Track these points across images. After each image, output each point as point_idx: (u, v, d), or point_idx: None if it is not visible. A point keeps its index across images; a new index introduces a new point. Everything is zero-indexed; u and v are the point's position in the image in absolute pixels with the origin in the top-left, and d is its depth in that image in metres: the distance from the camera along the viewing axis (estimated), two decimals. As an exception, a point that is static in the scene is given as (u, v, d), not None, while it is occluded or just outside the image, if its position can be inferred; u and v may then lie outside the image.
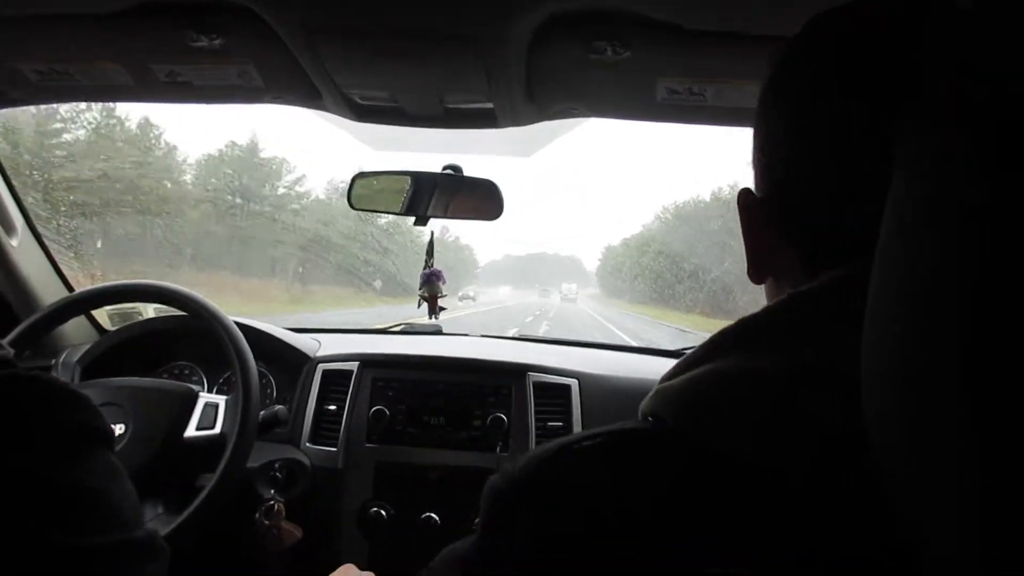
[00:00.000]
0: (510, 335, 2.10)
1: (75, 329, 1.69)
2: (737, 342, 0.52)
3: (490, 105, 1.15)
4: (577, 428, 1.55)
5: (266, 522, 1.41)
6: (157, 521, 1.24)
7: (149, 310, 1.81)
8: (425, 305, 1.67)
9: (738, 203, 0.58)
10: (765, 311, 0.52)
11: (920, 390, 0.32)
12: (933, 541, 0.33)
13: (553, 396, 1.59)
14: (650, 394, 0.56)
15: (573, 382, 1.60)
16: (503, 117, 1.19)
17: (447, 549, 0.59)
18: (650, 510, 0.47)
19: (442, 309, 1.69)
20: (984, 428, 0.29)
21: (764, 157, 0.57)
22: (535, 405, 1.56)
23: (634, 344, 2.45)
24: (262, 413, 1.37)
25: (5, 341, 1.29)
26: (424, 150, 1.45)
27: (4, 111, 1.34)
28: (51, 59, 1.12)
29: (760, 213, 0.57)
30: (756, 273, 0.59)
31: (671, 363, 0.57)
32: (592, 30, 0.98)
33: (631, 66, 1.03)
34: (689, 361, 0.54)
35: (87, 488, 0.58)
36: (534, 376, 1.60)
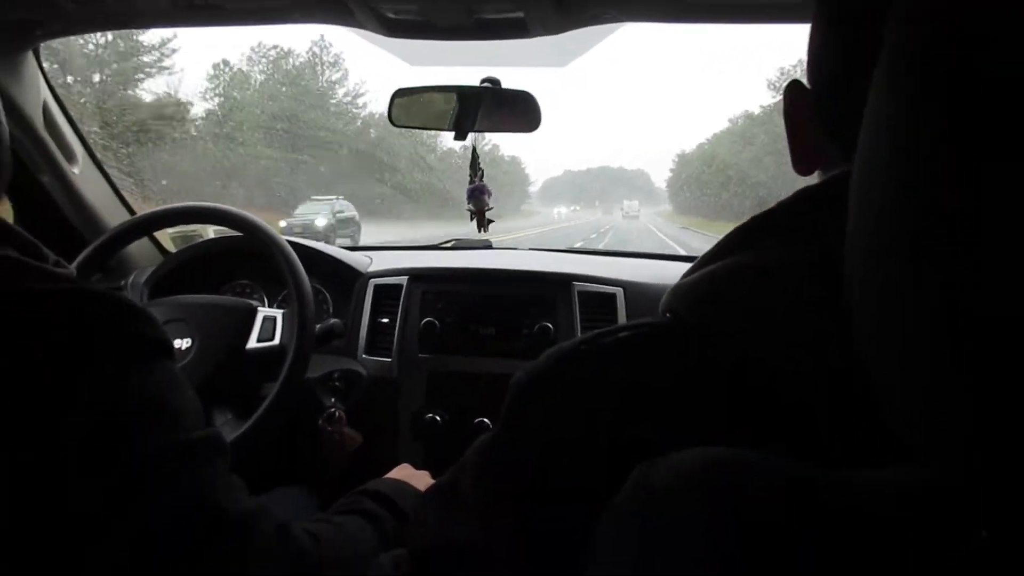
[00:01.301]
0: (555, 248, 2.11)
1: (141, 252, 1.79)
2: (750, 239, 0.53)
3: (520, 14, 1.15)
4: None
5: (328, 428, 1.50)
6: (227, 426, 1.33)
7: (209, 232, 1.88)
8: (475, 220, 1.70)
9: (784, 95, 0.59)
10: (777, 206, 0.53)
11: (885, 254, 0.33)
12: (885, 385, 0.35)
13: (598, 305, 1.61)
14: (668, 290, 0.57)
15: (618, 291, 1.62)
16: (534, 26, 1.18)
17: (477, 440, 0.63)
18: (653, 400, 0.49)
19: (490, 222, 1.71)
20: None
21: (811, 47, 0.56)
22: (581, 314, 1.60)
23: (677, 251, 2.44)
24: (319, 326, 1.44)
25: (74, 264, 1.38)
26: (459, 63, 1.45)
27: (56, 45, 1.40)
28: None
29: (806, 105, 0.57)
30: (801, 166, 0.59)
31: None
32: None
33: None
34: (705, 258, 0.56)
35: (148, 394, 0.64)
36: (579, 286, 1.62)
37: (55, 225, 1.61)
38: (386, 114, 1.49)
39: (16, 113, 1.37)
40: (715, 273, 0.52)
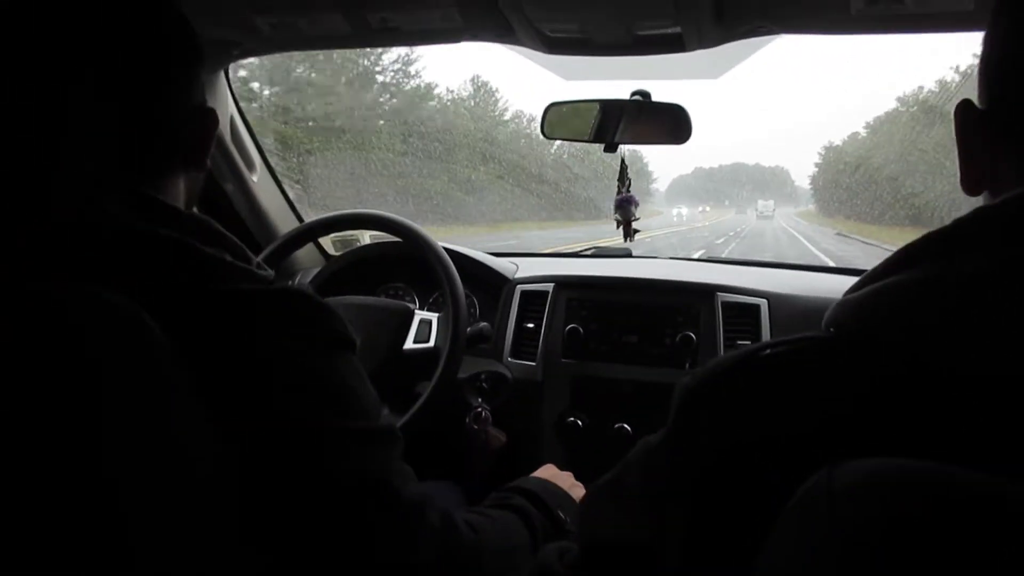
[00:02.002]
0: (698, 258, 2.11)
1: (305, 254, 1.92)
2: (923, 254, 0.52)
3: (678, 29, 1.17)
4: None
5: (475, 427, 1.57)
6: (390, 420, 1.42)
7: (366, 236, 2.01)
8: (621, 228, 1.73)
9: (955, 115, 0.58)
10: (954, 224, 0.52)
11: None
12: None
13: (742, 316, 1.60)
14: (833, 305, 0.58)
15: (762, 302, 1.61)
16: (690, 40, 1.20)
17: (641, 441, 0.66)
18: (826, 410, 0.50)
19: (636, 232, 1.74)
20: None
21: (988, 64, 0.56)
22: (724, 324, 1.59)
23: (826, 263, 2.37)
24: (469, 329, 1.51)
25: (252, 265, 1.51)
26: (612, 77, 1.48)
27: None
28: (282, 11, 1.26)
29: (980, 125, 0.56)
30: (970, 187, 0.58)
31: None
32: None
33: None
34: (874, 274, 0.56)
35: (344, 383, 0.71)
36: (723, 296, 1.62)
37: (234, 229, 1.76)
38: (539, 128, 1.55)
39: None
40: (889, 288, 0.52)
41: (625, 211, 1.66)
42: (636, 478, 0.63)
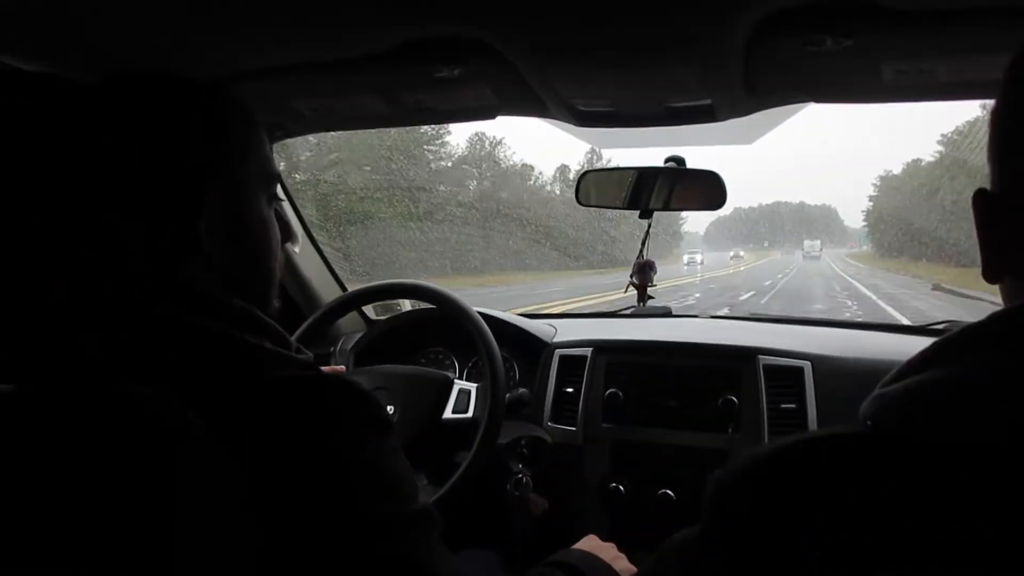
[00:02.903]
0: (738, 316, 2.09)
1: (347, 319, 1.95)
2: (961, 349, 0.52)
3: (708, 101, 1.18)
4: (811, 411, 1.53)
5: (516, 493, 1.56)
6: (423, 491, 1.42)
7: (406, 302, 2.03)
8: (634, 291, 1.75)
9: (973, 205, 0.57)
10: (990, 319, 0.52)
11: None
12: None
13: (785, 379, 1.58)
14: (869, 398, 0.57)
15: (806, 364, 1.59)
16: (722, 111, 1.21)
17: (676, 535, 0.65)
18: (862, 510, 0.49)
19: (650, 298, 1.75)
20: None
21: (1006, 146, 0.55)
22: (766, 388, 1.57)
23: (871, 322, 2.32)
24: (508, 396, 1.52)
25: (295, 335, 1.55)
26: (646, 145, 1.50)
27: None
28: (321, 96, 1.31)
29: (998, 209, 0.56)
30: (991, 273, 0.58)
31: (912, 341, 0.57)
32: (810, 22, 0.97)
33: (854, 53, 1.01)
34: (911, 365, 0.55)
35: (383, 468, 0.71)
36: (764, 359, 1.60)
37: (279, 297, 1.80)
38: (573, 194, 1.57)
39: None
40: (923, 384, 0.52)
41: (643, 275, 1.67)
42: (675, 574, 0.63)
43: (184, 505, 0.57)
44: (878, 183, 56.96)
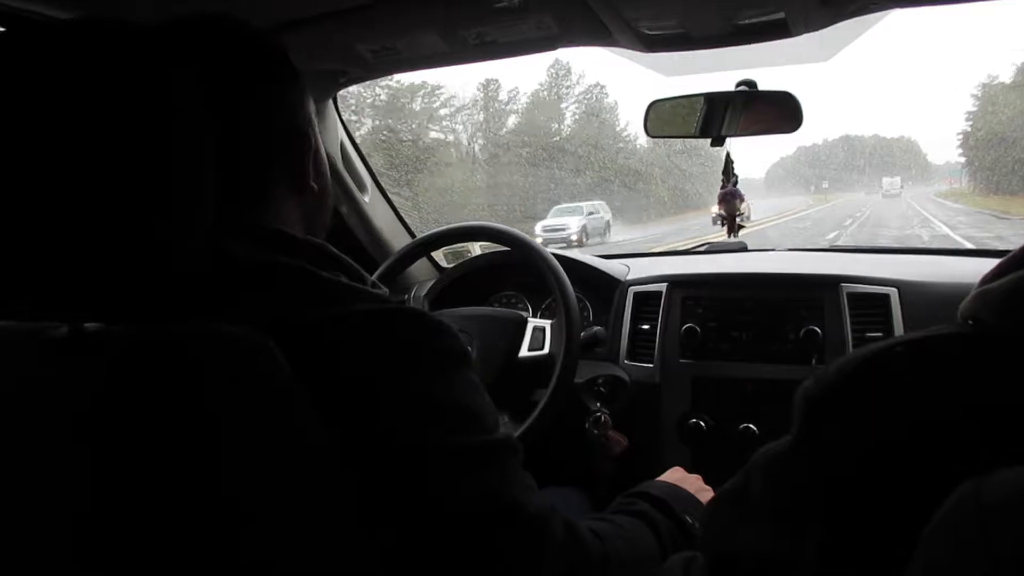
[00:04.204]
0: (818, 247, 2.02)
1: (419, 267, 1.97)
2: None
3: (781, 15, 1.13)
4: None
5: (595, 431, 1.56)
6: (504, 429, 1.43)
7: (476, 247, 2.04)
8: (721, 225, 1.69)
9: None
10: None
11: None
12: None
13: (870, 306, 1.52)
14: (969, 296, 0.54)
15: (892, 291, 1.52)
16: (795, 25, 1.16)
17: (764, 448, 0.63)
18: (963, 412, 0.47)
19: (741, 227, 1.69)
20: None
21: None
22: (851, 316, 1.52)
23: (965, 247, 2.20)
24: (583, 334, 1.51)
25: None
26: (715, 69, 1.45)
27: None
28: (382, 38, 1.30)
29: None
30: None
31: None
32: None
33: None
34: (1015, 260, 0.52)
35: (460, 399, 0.71)
36: (848, 287, 1.54)
37: (349, 248, 1.83)
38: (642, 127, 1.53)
39: (323, 153, 1.59)
40: None
41: (730, 205, 1.62)
42: (762, 489, 0.61)
43: (242, 443, 0.58)
44: (979, 94, 42.68)
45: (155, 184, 0.59)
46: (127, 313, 0.61)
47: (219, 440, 0.57)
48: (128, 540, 0.56)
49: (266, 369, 0.59)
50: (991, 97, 40.60)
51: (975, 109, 42.90)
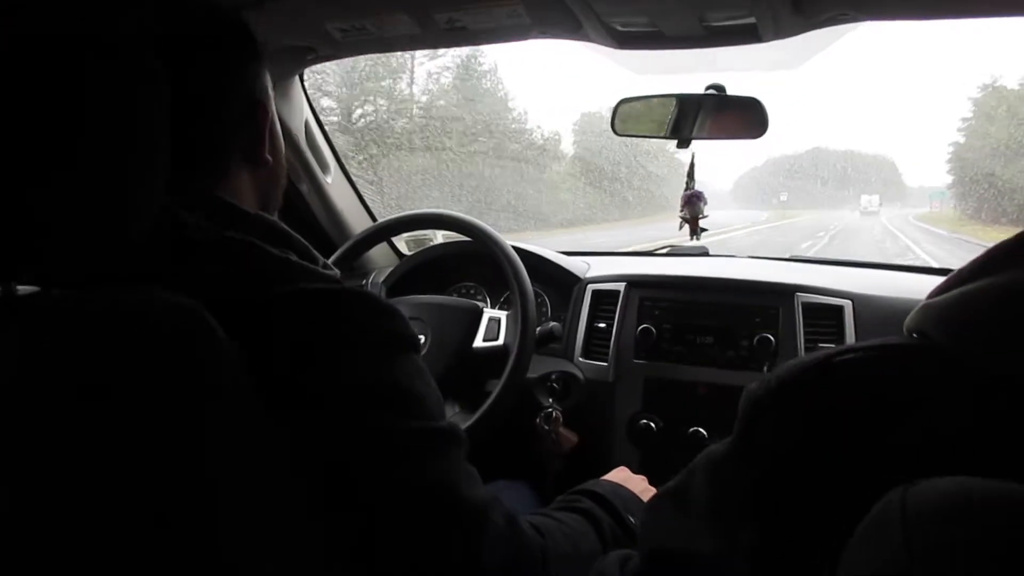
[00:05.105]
0: (777, 256, 2.04)
1: (378, 253, 1.95)
2: (1013, 256, 0.49)
3: (752, 20, 1.13)
4: None
5: (546, 427, 1.56)
6: (455, 418, 1.43)
7: (438, 236, 2.02)
8: (686, 227, 1.69)
9: None
10: None
11: None
12: None
13: (824, 317, 1.54)
14: (915, 309, 0.55)
15: (846, 303, 1.54)
16: (766, 31, 1.16)
17: (706, 450, 0.64)
18: (898, 423, 0.47)
19: (703, 230, 1.69)
20: None
21: None
22: (804, 326, 1.53)
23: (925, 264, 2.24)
24: (539, 328, 1.50)
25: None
26: (685, 71, 1.45)
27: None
28: (352, 17, 1.28)
29: None
30: None
31: None
32: None
33: None
34: (963, 276, 0.52)
35: (406, 384, 0.70)
36: (803, 296, 1.56)
37: (309, 228, 1.80)
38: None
39: (284, 130, 1.55)
40: (977, 292, 0.49)
41: (693, 207, 1.62)
42: (702, 488, 0.61)
43: (214, 424, 0.57)
44: (978, 96, 34.78)
45: (102, 145, 0.57)
46: (68, 277, 0.60)
47: (150, 406, 0.55)
48: (55, 518, 0.54)
49: (199, 337, 0.58)
50: (991, 104, 34.49)
51: (969, 115, 36.88)
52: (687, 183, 1.62)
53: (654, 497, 0.72)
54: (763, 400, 0.56)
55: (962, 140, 37.38)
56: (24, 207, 0.54)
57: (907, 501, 0.39)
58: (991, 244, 0.51)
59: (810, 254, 4.34)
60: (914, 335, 0.54)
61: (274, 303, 0.66)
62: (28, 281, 0.61)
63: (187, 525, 0.54)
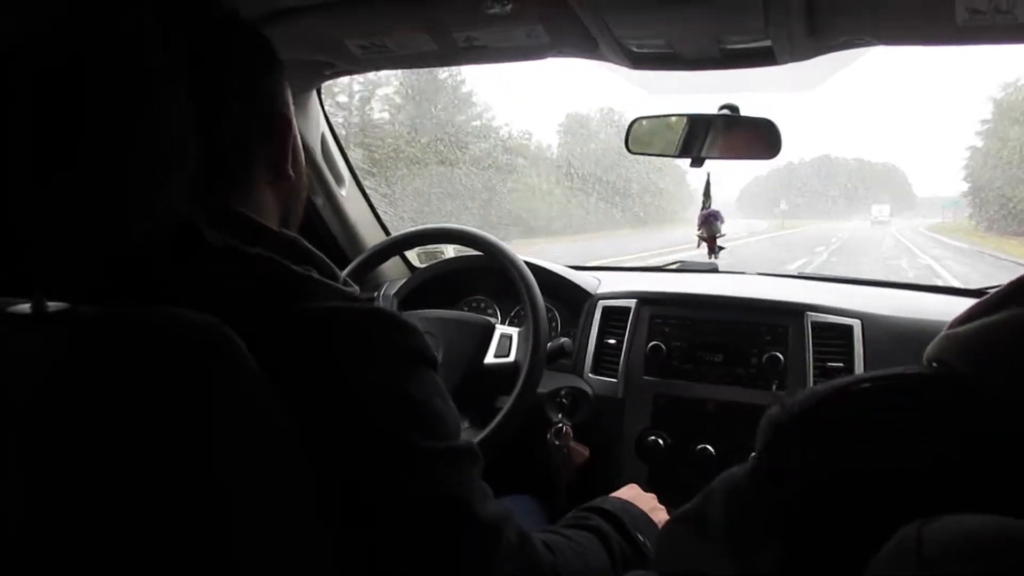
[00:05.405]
0: (787, 274, 2.05)
1: (391, 266, 1.95)
2: None
3: (768, 43, 1.14)
4: (859, 370, 1.50)
5: (556, 442, 1.56)
6: (465, 434, 1.43)
7: (450, 250, 2.03)
8: (704, 246, 1.70)
9: None
10: None
11: None
12: None
13: (833, 337, 1.54)
14: (937, 338, 0.55)
15: (855, 323, 1.55)
16: (781, 54, 1.17)
17: (724, 473, 0.64)
18: (920, 453, 0.48)
19: (721, 248, 1.71)
20: None
21: None
22: (813, 345, 1.54)
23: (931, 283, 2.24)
24: (549, 344, 1.51)
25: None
26: (700, 91, 1.46)
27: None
28: (372, 34, 1.29)
29: None
30: None
31: (968, 303, 0.54)
32: None
33: None
34: (987, 306, 0.53)
35: (424, 402, 0.70)
36: (813, 316, 1.56)
37: (323, 241, 1.82)
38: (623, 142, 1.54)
39: (303, 143, 1.57)
40: (1002, 324, 0.49)
41: (710, 227, 1.63)
42: (719, 514, 0.62)
43: (234, 439, 0.57)
44: (1000, 96, 32.43)
45: (103, 143, 0.57)
46: (93, 293, 0.60)
47: (173, 423, 0.56)
48: (73, 525, 0.54)
49: (226, 356, 0.58)
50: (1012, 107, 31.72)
51: (989, 118, 33.74)
52: (704, 202, 1.63)
53: (670, 521, 0.73)
54: (786, 426, 0.56)
55: (980, 144, 34.98)
56: (45, 221, 0.55)
57: (923, 536, 0.39)
58: (1021, 258, 0.50)
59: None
60: (934, 364, 0.54)
61: (296, 320, 0.66)
62: (56, 297, 0.61)
63: (202, 535, 0.54)
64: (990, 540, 0.38)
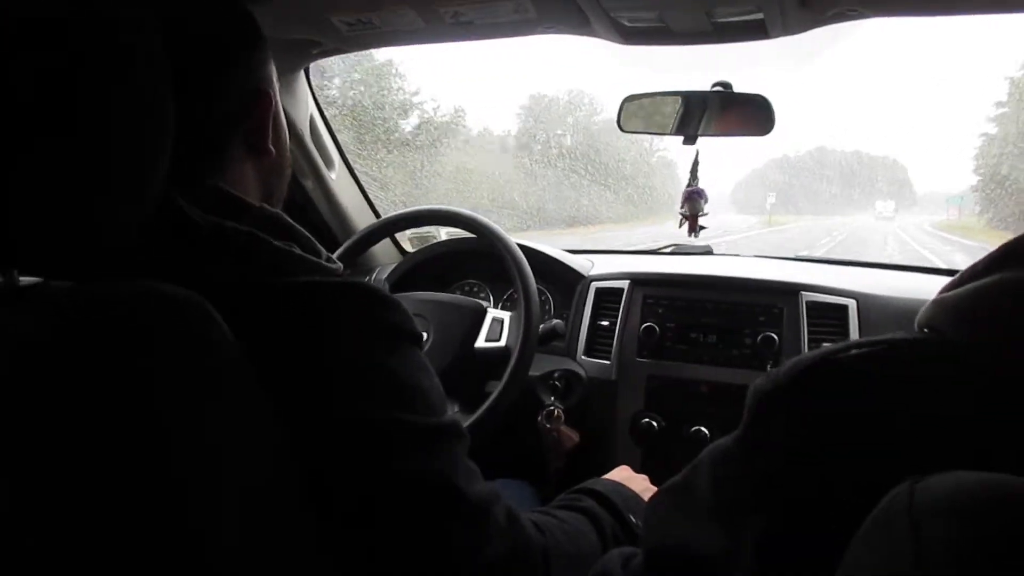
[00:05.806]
0: (782, 256, 2.04)
1: (382, 250, 1.94)
2: None
3: (760, 15, 1.12)
4: None
5: (547, 425, 1.55)
6: (455, 418, 1.42)
7: (442, 233, 2.02)
8: (686, 225, 1.68)
9: None
10: None
11: None
12: None
13: (828, 316, 1.53)
14: (927, 304, 0.54)
15: (851, 302, 1.54)
16: (773, 27, 1.15)
17: (711, 445, 0.63)
18: (909, 417, 0.47)
19: (702, 228, 1.69)
20: None
21: None
22: (808, 325, 1.53)
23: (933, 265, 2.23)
24: (541, 327, 1.50)
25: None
26: (692, 68, 1.44)
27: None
28: (358, 10, 1.27)
29: None
30: None
31: None
32: None
33: None
34: (976, 271, 0.52)
35: (407, 378, 0.69)
36: (807, 295, 1.55)
37: (312, 224, 1.80)
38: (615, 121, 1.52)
39: (288, 124, 1.55)
40: (990, 287, 0.49)
41: (693, 204, 1.62)
42: (706, 484, 0.61)
43: (179, 405, 0.56)
44: (1019, 75, 29.90)
45: (101, 134, 0.56)
46: (69, 268, 0.60)
47: (151, 399, 0.54)
48: (49, 503, 0.53)
49: (201, 329, 0.57)
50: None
51: (1005, 99, 29.97)
52: (690, 179, 1.61)
53: (657, 493, 0.72)
54: (772, 395, 0.55)
55: (994, 131, 30.41)
56: (12, 189, 0.53)
57: (914, 495, 0.39)
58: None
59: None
60: (925, 330, 0.53)
61: (276, 294, 0.65)
62: (30, 272, 0.60)
63: (180, 510, 0.53)
64: (983, 496, 0.37)
